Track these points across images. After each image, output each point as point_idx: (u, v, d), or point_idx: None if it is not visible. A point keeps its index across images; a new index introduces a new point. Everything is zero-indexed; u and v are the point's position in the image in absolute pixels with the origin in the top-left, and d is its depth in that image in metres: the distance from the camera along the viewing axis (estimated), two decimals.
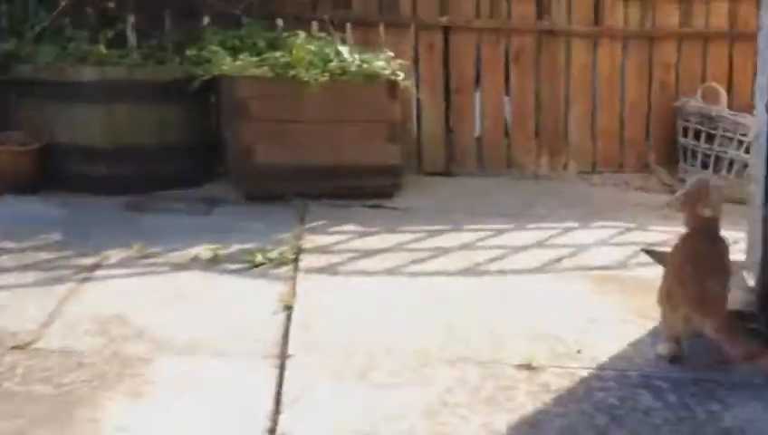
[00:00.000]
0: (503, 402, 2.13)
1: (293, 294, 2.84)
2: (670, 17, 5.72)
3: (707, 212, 2.56)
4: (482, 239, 3.72)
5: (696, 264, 2.43)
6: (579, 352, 2.46)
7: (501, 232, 3.87)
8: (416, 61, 5.32)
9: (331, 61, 4.37)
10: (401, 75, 4.51)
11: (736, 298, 3.27)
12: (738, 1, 5.69)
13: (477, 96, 5.54)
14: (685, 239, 2.57)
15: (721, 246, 2.57)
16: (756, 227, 3.17)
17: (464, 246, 3.58)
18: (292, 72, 4.23)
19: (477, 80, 5.52)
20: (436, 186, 4.88)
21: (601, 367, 2.39)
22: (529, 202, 4.54)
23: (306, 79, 4.18)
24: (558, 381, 2.28)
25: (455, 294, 2.99)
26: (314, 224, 3.80)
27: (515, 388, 2.21)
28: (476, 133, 5.53)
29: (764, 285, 3.05)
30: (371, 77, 4.39)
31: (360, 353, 2.38)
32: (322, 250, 3.38)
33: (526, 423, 2.03)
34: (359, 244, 3.53)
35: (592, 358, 2.43)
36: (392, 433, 1.96)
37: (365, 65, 4.40)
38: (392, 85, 4.43)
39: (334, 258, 3.29)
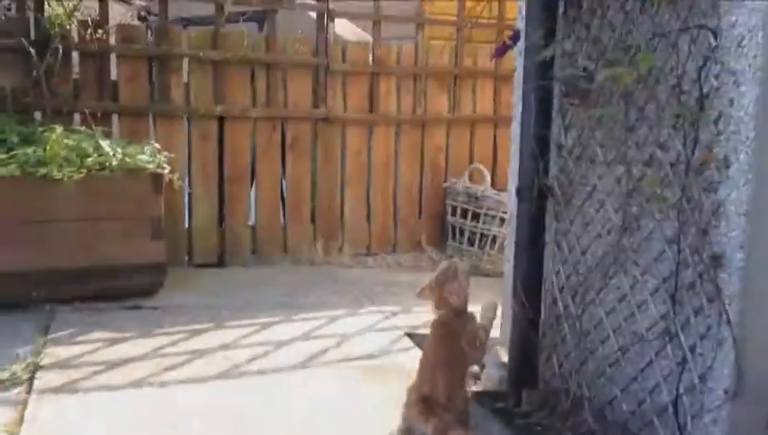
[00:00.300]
0: None
1: (21, 421, 2.55)
2: (441, 104, 6.02)
3: (454, 299, 2.63)
4: (245, 336, 3.59)
5: (427, 362, 2.50)
6: None
7: (267, 326, 3.77)
8: (189, 151, 5.19)
9: (89, 156, 4.13)
10: (167, 168, 4.35)
11: (491, 376, 3.38)
12: (501, 90, 6.12)
13: (253, 185, 5.49)
14: (432, 330, 2.62)
15: (468, 328, 2.63)
16: (508, 304, 3.31)
17: (224, 346, 3.43)
18: (43, 171, 3.94)
19: (253, 168, 5.47)
20: (206, 279, 4.70)
21: None
22: (300, 291, 4.48)
23: (59, 177, 3.91)
24: None
25: (208, 401, 2.83)
26: (61, 333, 3.49)
27: None
28: (251, 222, 5.44)
29: (516, 361, 3.17)
30: (134, 171, 4.19)
31: None
32: (64, 365, 3.10)
33: None
34: (107, 353, 3.28)
35: None
36: None
37: (127, 159, 4.20)
38: (157, 179, 4.26)
39: (76, 373, 3.02)
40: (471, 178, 5.88)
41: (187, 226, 5.22)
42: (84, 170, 4.02)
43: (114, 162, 4.14)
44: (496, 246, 5.45)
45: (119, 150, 4.21)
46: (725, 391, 2.22)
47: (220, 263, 5.25)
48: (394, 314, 4.06)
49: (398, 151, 5.92)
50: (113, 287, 4.05)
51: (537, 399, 3.00)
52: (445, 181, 6.01)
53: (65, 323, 3.64)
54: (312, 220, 5.62)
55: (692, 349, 2.33)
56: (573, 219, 2.96)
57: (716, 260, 2.24)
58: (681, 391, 2.34)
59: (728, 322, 2.21)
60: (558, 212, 3.04)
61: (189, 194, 5.21)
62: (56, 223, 3.97)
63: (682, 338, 2.36)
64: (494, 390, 3.21)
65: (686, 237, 2.35)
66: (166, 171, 4.30)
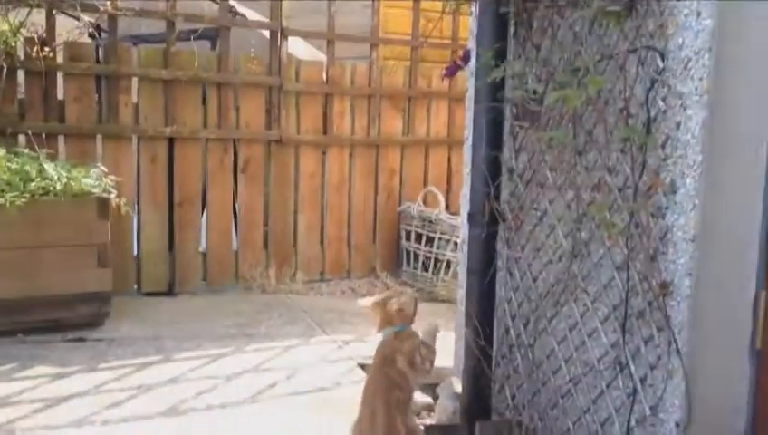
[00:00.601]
0: None
1: None
2: (395, 126, 5.99)
3: (397, 313, 2.60)
4: (193, 369, 3.48)
5: (367, 394, 2.48)
6: None
7: (216, 358, 3.67)
8: (138, 174, 5.08)
9: (32, 180, 4.00)
10: (113, 192, 4.23)
11: (445, 407, 3.33)
12: (455, 111, 6.10)
13: (204, 209, 5.38)
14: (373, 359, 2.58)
15: (405, 347, 2.57)
16: (461, 333, 3.26)
17: (171, 380, 3.33)
18: None
19: (205, 192, 5.37)
20: (154, 308, 4.57)
21: None
22: (251, 321, 4.38)
23: (1, 202, 3.77)
24: None
25: None
26: (1, 368, 3.34)
27: None
28: (202, 248, 5.33)
29: (469, 393, 3.12)
30: (79, 196, 4.07)
31: None
32: (3, 403, 2.97)
33: None
34: (49, 390, 3.15)
35: None
36: None
37: (72, 183, 4.07)
38: (103, 204, 4.13)
39: (15, 412, 2.90)
40: (425, 202, 5.86)
41: (135, 252, 5.09)
42: (27, 195, 3.88)
43: (58, 186, 4.02)
44: (450, 271, 5.41)
45: (63, 174, 4.08)
46: (677, 423, 2.19)
47: (170, 291, 5.12)
48: (347, 343, 3.99)
49: (353, 174, 5.87)
50: (57, 318, 3.91)
51: (490, 431, 2.95)
52: (399, 205, 5.97)
53: (6, 356, 3.50)
54: (265, 246, 5.53)
55: (642, 380, 2.31)
56: (525, 245, 2.93)
57: (665, 287, 2.22)
58: (632, 423, 2.31)
59: (678, 351, 2.18)
60: (509, 238, 3.01)
61: (138, 219, 5.09)
62: None
63: (632, 368, 2.33)
64: (446, 423, 3.16)
65: (634, 264, 2.33)
66: (112, 196, 4.18)
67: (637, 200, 2.31)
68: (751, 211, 2.22)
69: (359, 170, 5.88)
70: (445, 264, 5.48)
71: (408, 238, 5.77)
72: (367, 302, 2.72)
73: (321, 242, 5.75)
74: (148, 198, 5.12)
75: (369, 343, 3.94)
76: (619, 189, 2.42)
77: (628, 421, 2.31)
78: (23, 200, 3.82)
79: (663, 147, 2.26)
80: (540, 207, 2.85)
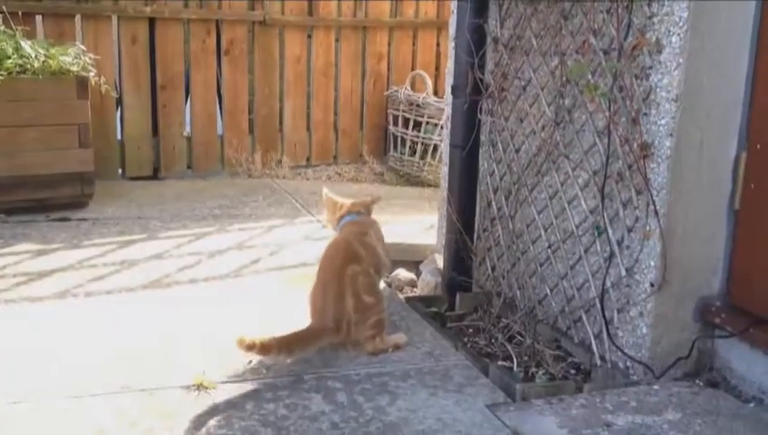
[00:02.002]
0: (161, 433, 1.94)
1: None
2: (382, 7, 5.80)
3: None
4: (178, 247, 3.49)
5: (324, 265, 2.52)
6: (250, 362, 2.32)
7: (200, 237, 3.67)
8: (120, 57, 4.96)
9: (9, 57, 3.89)
10: (92, 71, 4.13)
11: (428, 282, 3.36)
12: None
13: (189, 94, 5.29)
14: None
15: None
16: (443, 210, 3.26)
17: (155, 256, 3.33)
18: None
19: (188, 76, 5.26)
20: (139, 191, 4.55)
21: (277, 374, 2.27)
22: (236, 203, 4.36)
23: None
24: (228, 397, 2.12)
25: (133, 311, 2.74)
26: None
27: (179, 414, 2.02)
28: (186, 132, 5.27)
29: (450, 266, 3.14)
30: (57, 74, 3.97)
31: None
32: None
33: None
34: (33, 265, 3.15)
35: (268, 366, 2.30)
36: None
37: (50, 61, 3.97)
38: (82, 82, 4.04)
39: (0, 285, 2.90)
40: (413, 86, 5.75)
41: (119, 137, 5.03)
42: (4, 73, 3.79)
43: (36, 64, 3.92)
44: (437, 155, 5.37)
45: (41, 52, 3.98)
46: (652, 284, 2.21)
47: (155, 176, 5.09)
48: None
49: (339, 58, 5.73)
50: (40, 199, 3.89)
51: (470, 302, 2.99)
52: (387, 90, 5.87)
53: None
54: (251, 131, 5.46)
55: (620, 242, 2.31)
56: (508, 116, 2.89)
57: (645, 149, 2.19)
58: (608, 284, 2.33)
59: (656, 213, 2.17)
60: (493, 109, 2.96)
61: (120, 103, 5.00)
62: None
63: (610, 232, 2.33)
64: (427, 295, 3.19)
65: (616, 128, 2.29)
66: (91, 74, 4.09)
67: (621, 61, 2.25)
68: (736, 71, 2.17)
69: (345, 54, 5.75)
70: (432, 148, 5.43)
71: (395, 123, 5.70)
72: (329, 194, 2.75)
73: (308, 127, 5.68)
74: (131, 81, 5.02)
75: None
76: (605, 52, 2.35)
77: (603, 283, 2.32)
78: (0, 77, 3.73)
79: (649, 5, 2.19)
80: (524, 76, 2.79)
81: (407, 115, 5.58)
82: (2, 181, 3.82)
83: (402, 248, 3.70)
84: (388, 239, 3.70)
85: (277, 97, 5.55)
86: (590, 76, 2.40)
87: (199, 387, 2.17)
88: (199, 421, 1.99)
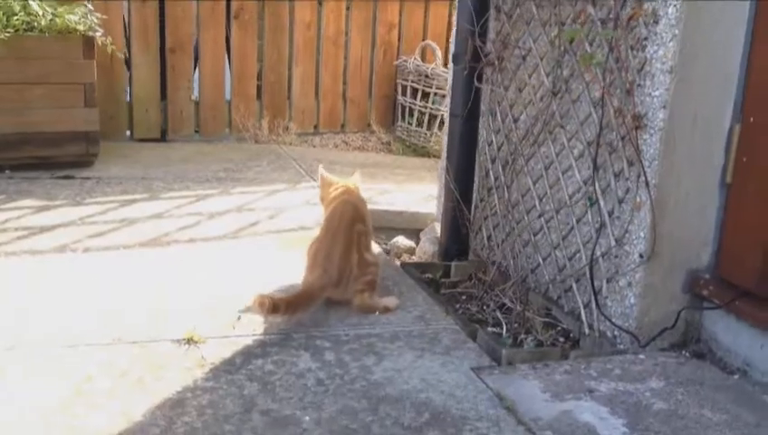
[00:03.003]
0: (149, 384, 1.98)
1: None
2: None
3: None
4: (179, 207, 3.52)
5: (330, 224, 2.59)
6: (239, 318, 2.36)
7: (202, 198, 3.70)
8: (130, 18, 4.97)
9: (15, 14, 3.91)
10: (99, 31, 4.15)
11: (426, 250, 3.39)
12: None
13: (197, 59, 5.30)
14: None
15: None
16: (443, 180, 3.28)
17: (155, 216, 3.37)
18: None
19: (197, 40, 5.27)
20: (146, 153, 4.58)
21: (267, 331, 2.30)
22: (241, 166, 4.39)
23: None
24: (217, 352, 2.16)
25: (130, 267, 2.78)
26: None
27: (168, 366, 2.06)
28: (194, 96, 5.29)
29: (447, 235, 3.17)
30: (64, 33, 3.99)
31: None
32: None
33: (168, 404, 1.89)
34: (34, 220, 3.19)
35: (258, 323, 2.34)
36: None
37: (57, 20, 3.99)
38: (88, 42, 4.05)
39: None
40: (423, 57, 5.74)
41: (128, 99, 5.06)
42: (11, 30, 3.81)
43: (43, 22, 3.94)
44: (444, 126, 5.36)
45: (48, 10, 3.99)
46: (641, 255, 2.22)
47: (163, 138, 5.12)
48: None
49: (349, 26, 5.72)
50: (46, 156, 3.93)
51: (465, 270, 3.01)
52: (396, 60, 5.85)
53: None
54: (259, 97, 5.48)
55: (610, 213, 2.32)
56: (508, 85, 2.89)
57: (638, 120, 2.19)
58: (598, 254, 2.34)
59: (647, 184, 2.18)
60: (493, 78, 2.96)
61: (129, 65, 5.02)
62: None
63: (602, 202, 2.34)
64: (423, 261, 3.22)
65: (611, 99, 2.29)
66: (98, 34, 4.10)
67: (617, 31, 2.25)
68: (732, 44, 2.16)
69: (356, 22, 5.73)
70: (439, 119, 5.43)
71: (403, 93, 5.70)
72: (325, 174, 2.85)
73: (316, 95, 5.68)
74: (140, 43, 5.03)
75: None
76: (602, 21, 2.35)
77: (592, 253, 2.34)
78: (6, 35, 3.75)
79: None
80: (525, 46, 2.79)
81: (415, 85, 5.57)
82: (8, 138, 3.86)
83: (403, 217, 3.74)
84: (390, 207, 3.77)
85: (286, 63, 5.55)
86: (587, 46, 2.40)
87: (189, 341, 2.21)
88: (188, 373, 2.03)
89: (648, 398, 1.99)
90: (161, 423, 1.80)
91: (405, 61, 5.69)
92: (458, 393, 2.01)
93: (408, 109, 5.64)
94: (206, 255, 2.97)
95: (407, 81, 5.65)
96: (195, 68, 5.34)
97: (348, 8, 5.70)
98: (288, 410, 1.89)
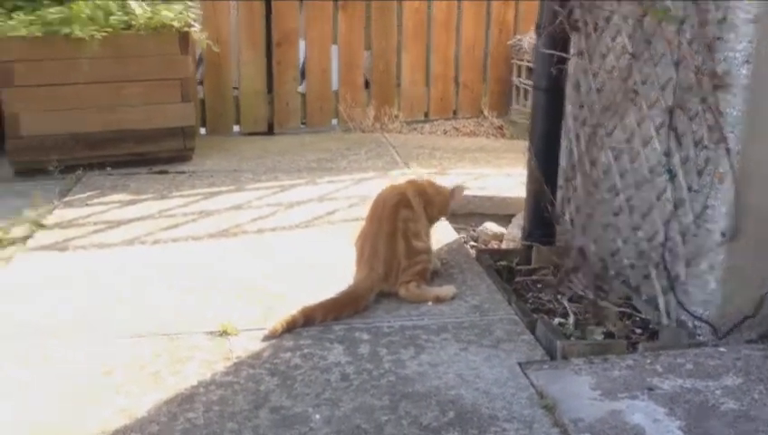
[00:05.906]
0: (166, 378, 1.89)
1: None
2: None
3: None
4: (259, 198, 3.45)
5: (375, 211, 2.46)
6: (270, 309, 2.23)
7: (287, 189, 3.62)
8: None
9: (113, 14, 4.00)
10: (195, 26, 4.17)
11: (513, 236, 3.14)
12: None
13: (302, 48, 5.25)
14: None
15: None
16: (530, 167, 3.01)
17: (234, 207, 3.31)
18: (65, 30, 3.84)
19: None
20: (245, 146, 4.57)
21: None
22: (336, 156, 4.28)
23: (81, 36, 3.81)
24: (247, 344, 2.05)
25: (191, 258, 2.74)
26: (78, 196, 3.44)
27: (189, 360, 1.97)
28: (301, 88, 5.25)
29: (530, 218, 2.92)
30: (160, 30, 4.05)
31: (29, 335, 2.11)
32: (66, 225, 3.06)
33: (177, 400, 1.79)
34: (115, 214, 3.21)
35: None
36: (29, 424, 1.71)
37: (154, 17, 4.05)
38: (184, 38, 4.08)
39: (74, 232, 2.98)
40: None
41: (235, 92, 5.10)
42: (109, 29, 3.90)
43: (141, 20, 4.00)
44: None
45: (147, 8, 4.05)
46: (723, 233, 1.89)
47: (270, 131, 5.11)
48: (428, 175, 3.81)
49: (461, 6, 5.46)
50: (143, 152, 3.99)
51: (546, 256, 2.74)
52: (511, 39, 5.53)
53: (90, 186, 3.60)
54: (366, 86, 5.35)
55: (690, 187, 1.99)
56: (593, 53, 2.59)
57: (718, 78, 1.86)
58: (675, 234, 2.02)
59: (728, 151, 1.85)
60: (580, 46, 2.67)
61: (236, 59, 5.05)
62: (81, 86, 3.90)
63: (680, 175, 2.01)
64: (502, 248, 2.97)
65: (691, 56, 1.96)
66: (194, 29, 4.12)
67: None
68: None
69: (468, 1, 5.46)
70: None
71: (519, 74, 5.39)
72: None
73: (426, 81, 5.48)
74: (246, 38, 5.04)
75: (449, 175, 3.79)
76: None
77: (665, 233, 2.02)
78: (103, 34, 3.83)
79: None
80: (610, 6, 2.48)
81: (531, 65, 5.24)
82: (106, 135, 3.94)
83: (493, 202, 3.51)
84: (483, 192, 3.54)
85: (395, 50, 5.39)
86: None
87: (222, 334, 2.11)
88: (208, 367, 1.93)
89: (717, 397, 1.69)
90: (162, 420, 1.70)
91: (519, 40, 5.37)
92: (494, 390, 1.78)
93: (522, 90, 5.34)
94: (270, 245, 2.87)
95: (522, 61, 5.34)
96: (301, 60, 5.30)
97: None
98: (300, 407, 1.74)
